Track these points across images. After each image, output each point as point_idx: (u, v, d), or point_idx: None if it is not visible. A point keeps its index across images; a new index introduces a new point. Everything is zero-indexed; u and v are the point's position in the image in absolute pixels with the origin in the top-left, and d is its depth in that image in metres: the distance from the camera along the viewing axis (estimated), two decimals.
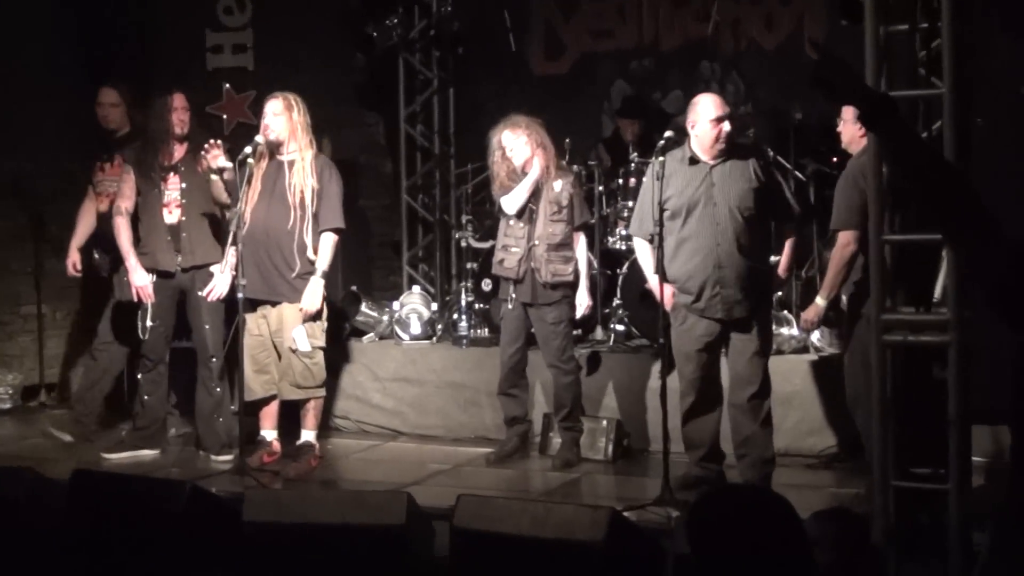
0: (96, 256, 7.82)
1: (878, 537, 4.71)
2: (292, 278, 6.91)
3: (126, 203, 7.26)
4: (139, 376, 7.41)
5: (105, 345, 7.64)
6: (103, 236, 7.64)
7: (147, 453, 7.33)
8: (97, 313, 7.74)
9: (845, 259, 5.88)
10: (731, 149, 6.25)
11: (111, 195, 7.53)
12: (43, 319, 9.05)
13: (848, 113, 6.01)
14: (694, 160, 6.24)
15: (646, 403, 7.24)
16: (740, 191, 6.18)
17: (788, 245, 6.52)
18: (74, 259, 7.84)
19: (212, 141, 6.92)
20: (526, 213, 7.02)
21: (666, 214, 6.21)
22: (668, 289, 6.24)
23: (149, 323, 7.23)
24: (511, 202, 7.04)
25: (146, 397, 7.34)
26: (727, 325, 6.24)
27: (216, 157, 6.85)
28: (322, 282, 6.95)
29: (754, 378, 6.23)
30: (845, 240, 5.86)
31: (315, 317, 6.99)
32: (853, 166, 5.89)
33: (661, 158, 6.17)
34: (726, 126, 6.18)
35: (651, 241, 6.30)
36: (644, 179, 6.53)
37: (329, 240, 6.99)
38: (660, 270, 6.18)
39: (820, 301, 6.11)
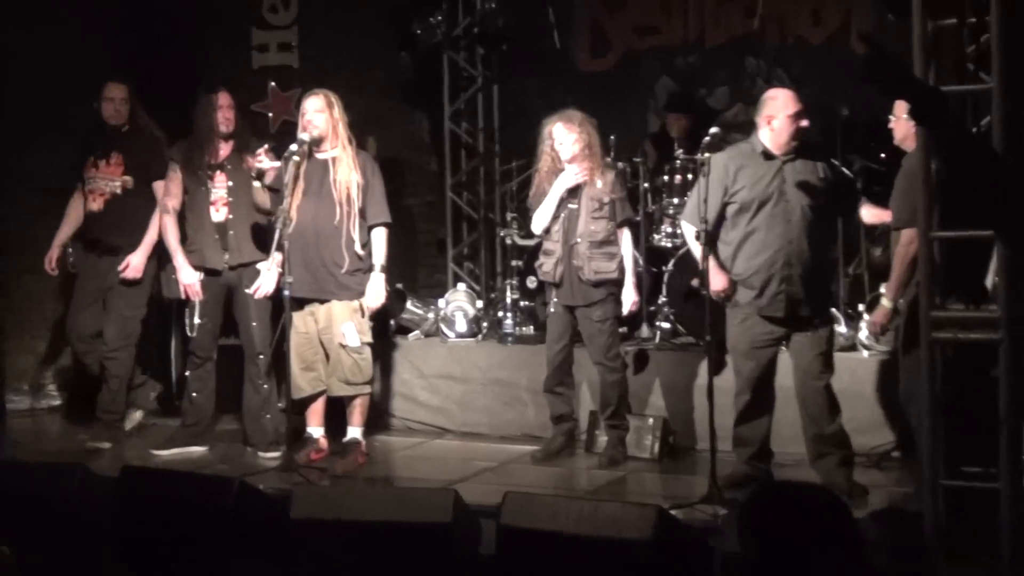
0: (70, 250, 7.76)
1: (928, 537, 4.68)
2: (341, 275, 6.94)
3: (173, 201, 7.32)
4: (187, 373, 7.46)
5: (115, 353, 7.57)
6: (95, 239, 7.59)
7: (196, 450, 7.39)
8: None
9: (911, 256, 5.62)
10: (802, 146, 6.20)
11: (106, 194, 7.50)
12: None
13: (900, 109, 5.91)
14: (768, 155, 6.18)
15: (693, 401, 7.21)
16: (811, 189, 6.13)
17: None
18: (52, 255, 7.72)
19: (264, 147, 6.96)
20: (566, 212, 7.01)
21: (732, 207, 6.17)
22: (722, 279, 6.22)
23: (197, 320, 7.29)
24: (537, 222, 7.12)
25: (194, 394, 7.39)
26: (789, 323, 6.18)
27: (259, 160, 6.89)
28: (383, 276, 6.99)
29: (825, 373, 6.19)
30: (909, 238, 5.65)
31: (361, 308, 7.01)
32: (911, 162, 5.76)
33: (707, 154, 6.15)
34: (804, 122, 6.14)
35: (699, 236, 6.24)
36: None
37: (381, 235, 7.02)
38: (705, 266, 6.16)
39: (886, 303, 5.97)
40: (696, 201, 6.32)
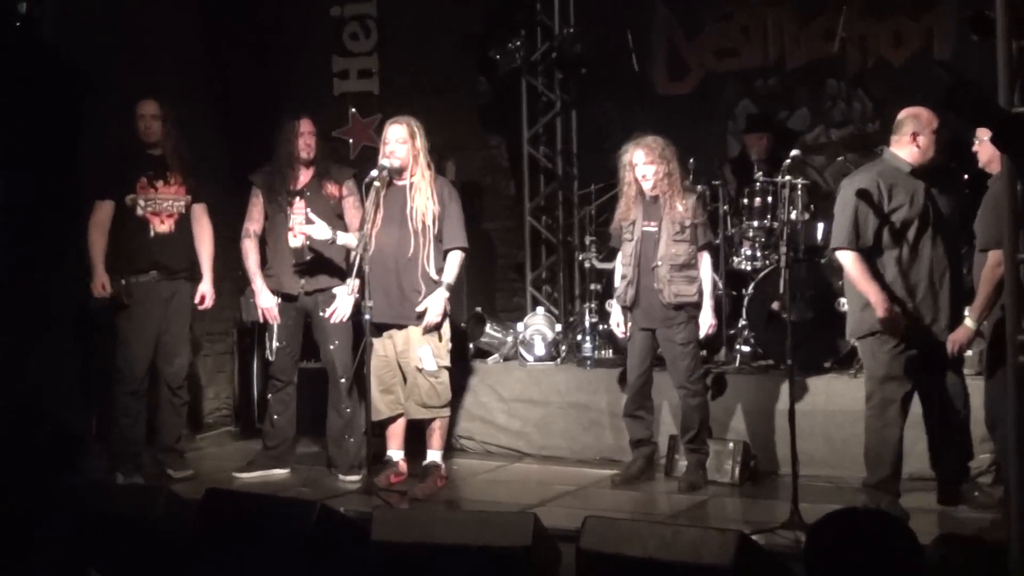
0: (124, 282, 7.26)
1: (1015, 567, 4.59)
2: (418, 301, 6.97)
3: (254, 226, 7.39)
4: (269, 397, 7.52)
5: (185, 380, 7.59)
6: (162, 263, 7.32)
7: (277, 472, 7.45)
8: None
9: (997, 279, 5.56)
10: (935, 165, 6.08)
11: (174, 214, 7.38)
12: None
13: (984, 132, 5.84)
14: (916, 172, 6.01)
15: (773, 425, 7.16)
16: (952, 206, 6.02)
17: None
18: (105, 280, 7.23)
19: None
20: (640, 235, 7.01)
21: (890, 228, 5.94)
22: (888, 303, 5.93)
23: (276, 344, 7.36)
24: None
25: (275, 417, 7.45)
26: (934, 347, 6.01)
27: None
28: (446, 294, 6.99)
29: (960, 396, 6.08)
30: (996, 260, 5.58)
31: (438, 333, 7.03)
32: (998, 185, 5.66)
33: (787, 177, 6.10)
34: (945, 136, 6.02)
35: (863, 251, 5.98)
36: (844, 188, 6.10)
37: (456, 257, 7.05)
38: (786, 291, 6.10)
39: (970, 324, 5.86)
40: (849, 223, 6.01)
